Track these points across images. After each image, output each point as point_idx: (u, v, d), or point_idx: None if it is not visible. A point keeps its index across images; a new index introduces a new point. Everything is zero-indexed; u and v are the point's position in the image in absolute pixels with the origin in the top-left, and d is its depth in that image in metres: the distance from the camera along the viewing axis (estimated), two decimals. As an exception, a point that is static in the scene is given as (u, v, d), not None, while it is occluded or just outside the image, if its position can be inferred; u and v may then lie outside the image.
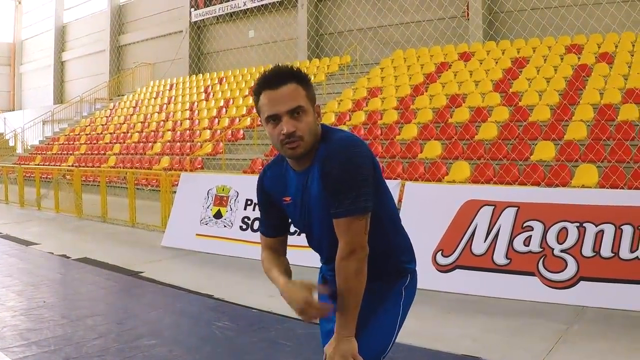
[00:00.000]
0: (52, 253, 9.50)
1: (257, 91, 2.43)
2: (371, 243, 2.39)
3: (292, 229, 2.75)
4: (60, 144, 25.93)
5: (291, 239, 2.84)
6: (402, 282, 2.66)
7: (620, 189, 9.34)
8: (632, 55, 14.19)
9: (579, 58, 14.98)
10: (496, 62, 16.40)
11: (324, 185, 2.39)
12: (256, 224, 8.88)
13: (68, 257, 9.14)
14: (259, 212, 2.79)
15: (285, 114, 2.36)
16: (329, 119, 16.19)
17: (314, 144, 2.43)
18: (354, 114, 16.54)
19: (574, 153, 11.03)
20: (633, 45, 14.66)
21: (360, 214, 2.33)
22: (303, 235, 2.69)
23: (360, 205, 2.33)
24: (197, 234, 9.49)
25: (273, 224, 2.73)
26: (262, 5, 24.19)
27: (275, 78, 2.38)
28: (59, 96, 36.98)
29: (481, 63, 16.71)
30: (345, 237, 2.36)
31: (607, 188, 9.52)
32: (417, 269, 2.75)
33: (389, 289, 2.63)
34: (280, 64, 2.45)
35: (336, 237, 2.40)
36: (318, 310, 2.31)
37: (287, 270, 2.61)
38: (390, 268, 2.64)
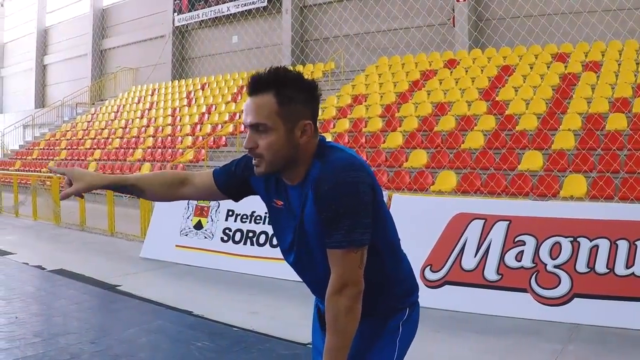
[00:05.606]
0: (27, 264, 9.14)
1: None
2: (367, 276, 2.13)
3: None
4: (40, 149, 25.52)
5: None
6: (400, 317, 2.41)
7: (611, 199, 9.19)
8: (620, 64, 14.09)
9: (565, 66, 14.86)
10: (482, 70, 16.24)
11: (318, 209, 2.12)
12: (238, 236, 8.65)
13: (43, 269, 8.80)
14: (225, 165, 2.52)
15: (248, 127, 2.14)
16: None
17: (290, 163, 2.17)
18: (338, 122, 16.31)
19: (563, 162, 10.85)
20: (620, 54, 14.57)
21: (356, 246, 2.07)
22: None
23: (356, 238, 2.06)
24: (176, 245, 9.20)
25: (227, 180, 2.47)
26: (246, 11, 23.98)
27: (253, 85, 2.14)
28: (41, 100, 36.51)
29: (467, 71, 16.54)
30: (338, 270, 2.10)
31: (597, 198, 9.38)
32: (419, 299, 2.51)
33: (384, 325, 2.38)
34: (269, 68, 2.17)
35: (329, 268, 2.14)
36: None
37: (157, 180, 2.50)
38: (386, 302, 2.38)
